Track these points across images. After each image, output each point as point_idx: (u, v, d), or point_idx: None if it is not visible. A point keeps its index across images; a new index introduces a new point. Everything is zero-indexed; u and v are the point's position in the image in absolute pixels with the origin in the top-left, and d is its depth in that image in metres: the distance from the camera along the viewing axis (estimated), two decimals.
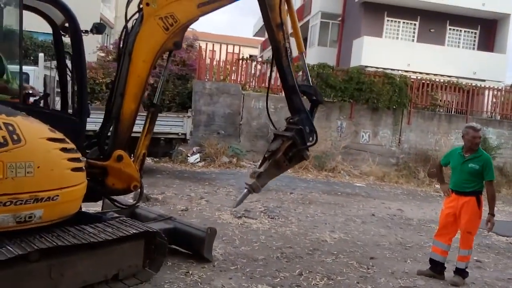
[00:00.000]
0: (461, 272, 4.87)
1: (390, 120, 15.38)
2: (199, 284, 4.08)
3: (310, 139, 4.66)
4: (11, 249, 3.07)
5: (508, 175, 15.27)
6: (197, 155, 13.35)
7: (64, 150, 3.43)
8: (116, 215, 4.48)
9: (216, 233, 4.87)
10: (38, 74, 9.58)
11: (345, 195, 10.66)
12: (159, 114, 4.61)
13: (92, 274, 3.64)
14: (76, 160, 3.56)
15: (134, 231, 3.89)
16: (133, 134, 4.32)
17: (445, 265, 4.99)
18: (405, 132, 15.34)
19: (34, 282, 3.24)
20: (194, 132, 12.76)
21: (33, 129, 3.31)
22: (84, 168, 3.70)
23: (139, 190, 4.42)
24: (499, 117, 16.94)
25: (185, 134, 10.86)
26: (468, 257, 4.94)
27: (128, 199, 6.12)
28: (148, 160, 11.45)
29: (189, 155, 13.28)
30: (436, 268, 4.98)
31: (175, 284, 4.02)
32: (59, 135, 3.45)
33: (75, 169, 3.52)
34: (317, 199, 9.67)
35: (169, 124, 10.71)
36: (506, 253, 6.58)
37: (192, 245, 4.85)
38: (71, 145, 3.54)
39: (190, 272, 4.37)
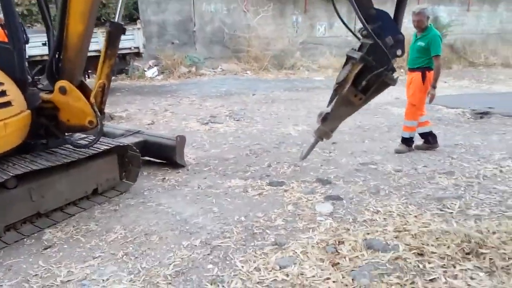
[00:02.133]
0: (406, 141, 5.36)
1: (344, 10, 15.18)
2: (177, 187, 4.35)
3: (398, 52, 3.41)
4: None
5: (459, 51, 15.87)
6: (155, 69, 13.06)
7: None
8: (84, 135, 4.53)
9: (186, 140, 5.05)
10: None
11: (306, 90, 10.93)
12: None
13: (72, 191, 3.81)
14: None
15: (105, 147, 4.02)
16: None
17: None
18: None
19: (17, 206, 3.38)
20: (147, 45, 12.31)
21: None
22: (11, 102, 3.35)
23: (96, 126, 3.76)
24: None
25: (138, 48, 10.50)
26: (413, 128, 5.35)
27: None
28: None
29: (146, 69, 12.96)
30: (427, 139, 5.45)
31: (154, 190, 4.27)
32: None
33: None
34: (279, 97, 9.90)
35: (124, 38, 10.27)
36: (454, 123, 7.16)
37: (164, 154, 5.04)
38: None
39: (167, 178, 4.61)
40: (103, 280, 2.69)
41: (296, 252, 2.89)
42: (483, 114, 7.62)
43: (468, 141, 5.81)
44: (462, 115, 7.73)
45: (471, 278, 2.44)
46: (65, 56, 3.60)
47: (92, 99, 3.67)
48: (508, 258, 2.61)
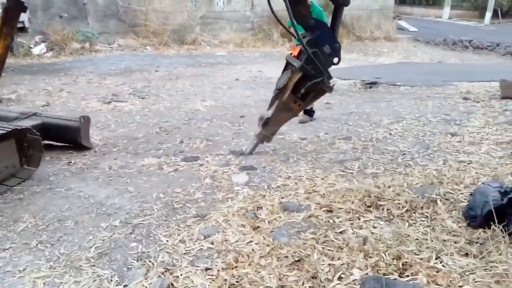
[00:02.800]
0: (307, 112, 5.75)
1: None
2: (86, 170, 4.16)
3: (334, 60, 3.55)
4: None
5: (347, 26, 17.01)
6: (42, 45, 11.93)
7: None
8: None
9: (90, 120, 4.81)
10: None
11: (209, 65, 10.93)
12: None
13: None
14: None
15: (1, 132, 3.68)
16: None
17: None
18: None
19: None
20: (33, 19, 11.18)
21: None
22: None
23: None
24: None
25: (22, 22, 9.53)
26: None
27: None
28: None
29: (32, 46, 11.78)
30: (310, 112, 5.82)
31: (61, 174, 4.04)
32: None
33: None
34: (183, 73, 9.78)
35: None
36: (348, 93, 7.80)
37: (66, 137, 4.75)
38: None
39: (73, 161, 4.38)
40: (19, 270, 2.54)
41: (218, 221, 3.01)
42: (371, 84, 8.41)
43: (360, 109, 6.40)
44: (353, 85, 8.44)
45: (374, 227, 2.80)
46: None
47: None
48: (402, 207, 3.02)
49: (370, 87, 8.29)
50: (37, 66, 10.38)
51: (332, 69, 3.74)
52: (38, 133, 4.05)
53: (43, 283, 2.41)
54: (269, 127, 3.86)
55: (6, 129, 3.78)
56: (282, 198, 3.32)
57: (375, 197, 3.14)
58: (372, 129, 5.25)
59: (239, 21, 15.26)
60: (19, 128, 3.90)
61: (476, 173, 3.62)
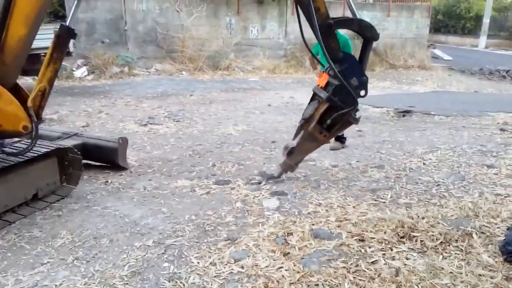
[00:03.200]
0: (338, 138, 5.74)
1: (275, 13, 15.66)
2: (121, 189, 4.30)
3: (361, 93, 3.59)
4: None
5: (381, 54, 17.02)
6: (84, 68, 12.52)
7: None
8: (17, 139, 4.31)
9: (128, 142, 4.99)
10: None
11: (242, 90, 11.14)
12: None
13: (11, 198, 3.63)
14: None
15: (45, 150, 3.87)
16: None
17: None
18: (290, 23, 15.85)
19: None
20: (76, 44, 11.79)
21: None
22: None
23: (31, 132, 3.47)
24: (371, 0, 18.22)
25: (68, 47, 10.02)
26: None
27: None
28: (29, 80, 10.51)
29: (74, 69, 12.38)
30: (341, 140, 5.82)
31: (98, 193, 4.19)
32: None
33: None
34: (216, 98, 10.00)
35: (46, 37, 9.71)
36: (381, 121, 7.75)
37: (105, 157, 4.93)
38: None
39: (109, 180, 4.53)
40: (55, 285, 2.63)
41: (248, 246, 3.03)
42: (405, 113, 8.33)
43: (393, 137, 6.34)
44: (386, 113, 8.38)
45: (407, 258, 2.75)
46: (2, 59, 3.33)
47: (29, 103, 3.44)
48: (436, 239, 2.96)
49: (404, 116, 8.21)
50: (78, 88, 10.87)
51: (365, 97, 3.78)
52: (79, 153, 4.24)
53: None
54: (293, 156, 3.91)
55: (49, 147, 3.98)
56: (313, 225, 3.32)
57: (408, 228, 3.09)
58: (406, 158, 5.18)
59: (272, 48, 15.55)
60: (61, 147, 4.10)
61: None
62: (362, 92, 3.61)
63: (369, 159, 5.20)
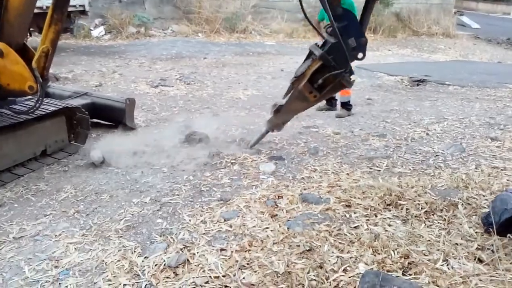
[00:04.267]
0: (344, 105, 5.75)
1: None
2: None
3: (359, 55, 3.37)
4: None
5: (403, 20, 16.48)
6: (101, 28, 12.60)
7: None
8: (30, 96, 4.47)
9: (135, 102, 5.12)
10: None
11: (257, 54, 11.07)
12: None
13: (20, 153, 3.84)
14: None
15: (53, 109, 4.03)
16: None
17: (337, 97, 5.87)
18: None
19: None
20: (93, 3, 11.82)
21: None
22: None
23: (37, 92, 3.57)
24: None
25: (83, 6, 10.09)
26: (348, 91, 5.59)
27: None
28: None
29: (91, 28, 12.47)
30: (331, 103, 6.00)
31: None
32: None
33: None
34: (230, 61, 9.99)
35: None
36: (393, 90, 7.66)
37: (113, 117, 5.09)
38: None
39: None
40: (55, 235, 2.83)
41: (239, 206, 3.16)
42: (419, 82, 8.19)
43: (402, 106, 6.29)
44: (400, 82, 8.26)
45: (389, 225, 2.83)
46: (4, 18, 3.40)
47: (34, 64, 3.51)
48: (421, 208, 3.02)
49: (418, 85, 8.08)
50: (94, 48, 11.00)
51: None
52: (86, 112, 4.39)
53: (75, 248, 2.68)
54: (280, 114, 3.71)
55: (58, 106, 4.14)
56: (304, 189, 3.41)
57: (395, 196, 3.16)
58: (410, 128, 5.17)
59: (291, 11, 15.20)
60: (69, 106, 4.25)
61: (508, 180, 3.51)
62: (360, 55, 3.40)
63: (373, 127, 5.21)
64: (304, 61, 3.67)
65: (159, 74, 8.25)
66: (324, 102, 5.79)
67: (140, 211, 3.15)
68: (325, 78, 3.39)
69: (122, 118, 4.98)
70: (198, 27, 13.61)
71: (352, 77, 3.45)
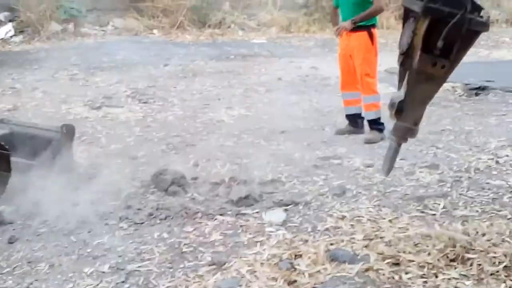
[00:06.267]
0: (374, 125, 6.03)
1: None
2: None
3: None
4: None
5: None
6: (9, 25, 12.82)
7: None
8: None
9: (75, 131, 5.27)
10: None
11: (241, 58, 11.41)
12: None
13: None
14: None
15: None
16: None
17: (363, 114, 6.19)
18: None
19: None
20: None
21: None
22: None
23: None
24: None
25: None
26: (376, 104, 5.97)
27: None
28: None
29: None
30: (356, 123, 6.22)
31: None
32: None
33: None
34: (203, 69, 10.28)
35: None
36: (442, 102, 7.95)
37: (42, 153, 5.21)
38: None
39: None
40: None
41: (240, 272, 3.31)
42: (479, 90, 8.52)
43: (458, 125, 6.58)
44: (452, 91, 8.57)
45: None
46: None
47: None
48: (499, 262, 3.21)
49: (477, 95, 8.42)
50: (2, 55, 11.19)
51: None
52: (6, 147, 4.52)
53: None
54: (406, 113, 3.49)
55: None
56: (331, 244, 3.59)
57: (461, 248, 3.35)
58: (472, 155, 5.42)
59: None
60: None
61: None
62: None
63: (419, 156, 5.46)
64: (403, 27, 3.51)
65: (101, 91, 8.46)
66: (375, 132, 6.00)
67: (97, 285, 3.27)
68: (445, 35, 3.16)
69: (56, 154, 5.12)
70: (152, 21, 13.95)
71: (483, 14, 3.15)
